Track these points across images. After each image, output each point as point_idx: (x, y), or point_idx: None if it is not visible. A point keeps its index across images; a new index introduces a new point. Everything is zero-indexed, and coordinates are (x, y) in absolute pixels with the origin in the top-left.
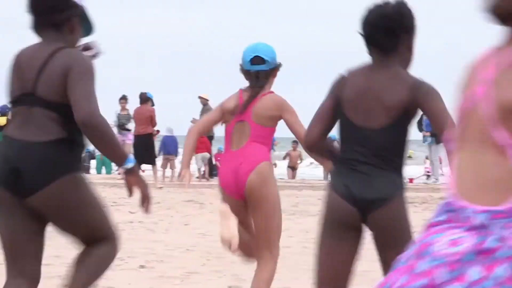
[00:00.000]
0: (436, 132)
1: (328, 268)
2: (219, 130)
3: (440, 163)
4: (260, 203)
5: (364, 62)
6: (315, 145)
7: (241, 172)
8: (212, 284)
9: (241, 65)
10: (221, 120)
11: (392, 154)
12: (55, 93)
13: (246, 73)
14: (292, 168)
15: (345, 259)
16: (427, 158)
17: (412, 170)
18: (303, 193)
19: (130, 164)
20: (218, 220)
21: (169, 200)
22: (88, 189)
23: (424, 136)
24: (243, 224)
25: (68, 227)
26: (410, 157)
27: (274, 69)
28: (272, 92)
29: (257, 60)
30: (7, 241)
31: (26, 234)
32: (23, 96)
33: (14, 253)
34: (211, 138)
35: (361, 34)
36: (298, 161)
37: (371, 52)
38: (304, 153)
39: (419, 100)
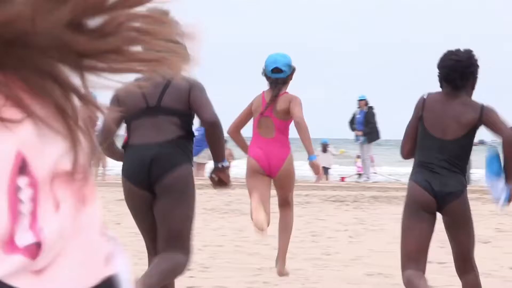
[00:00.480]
0: (503, 140)
1: (413, 242)
2: None
3: (372, 162)
4: (287, 180)
5: (438, 91)
6: (407, 158)
7: (276, 157)
8: None
9: (264, 71)
10: (250, 118)
11: (460, 159)
12: (179, 103)
13: (268, 78)
14: None
15: (426, 235)
16: (358, 157)
17: (343, 169)
18: (236, 192)
19: (226, 163)
20: (253, 207)
21: (100, 198)
22: (193, 184)
23: (356, 136)
24: (263, 195)
25: (169, 210)
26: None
27: (290, 74)
28: (287, 92)
29: (276, 70)
30: (145, 227)
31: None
32: (148, 109)
33: (151, 237)
34: None
35: (439, 74)
36: (230, 160)
37: (445, 86)
38: (236, 151)
39: (485, 117)
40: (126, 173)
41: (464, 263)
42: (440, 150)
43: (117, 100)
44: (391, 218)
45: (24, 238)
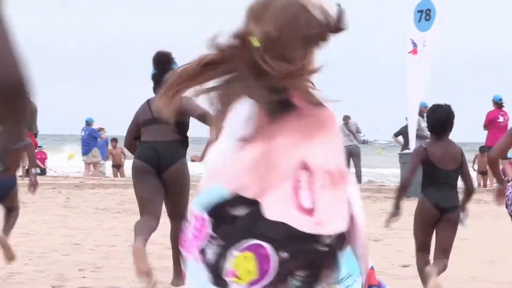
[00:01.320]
0: (466, 185)
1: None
2: (42, 128)
3: None
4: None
5: (431, 140)
6: (408, 184)
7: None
8: (35, 284)
9: None
10: None
11: (456, 181)
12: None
13: None
14: (117, 166)
15: (430, 238)
16: None
17: None
18: (128, 192)
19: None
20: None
21: None
22: (189, 174)
23: None
24: None
25: (177, 197)
26: None
27: None
28: None
29: None
30: (143, 194)
31: (154, 191)
32: (153, 119)
33: (147, 202)
34: (36, 135)
35: (428, 126)
36: (122, 159)
37: (433, 134)
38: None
39: (463, 160)
40: (139, 156)
41: (444, 253)
42: (444, 177)
43: (136, 114)
44: None
45: (306, 203)
